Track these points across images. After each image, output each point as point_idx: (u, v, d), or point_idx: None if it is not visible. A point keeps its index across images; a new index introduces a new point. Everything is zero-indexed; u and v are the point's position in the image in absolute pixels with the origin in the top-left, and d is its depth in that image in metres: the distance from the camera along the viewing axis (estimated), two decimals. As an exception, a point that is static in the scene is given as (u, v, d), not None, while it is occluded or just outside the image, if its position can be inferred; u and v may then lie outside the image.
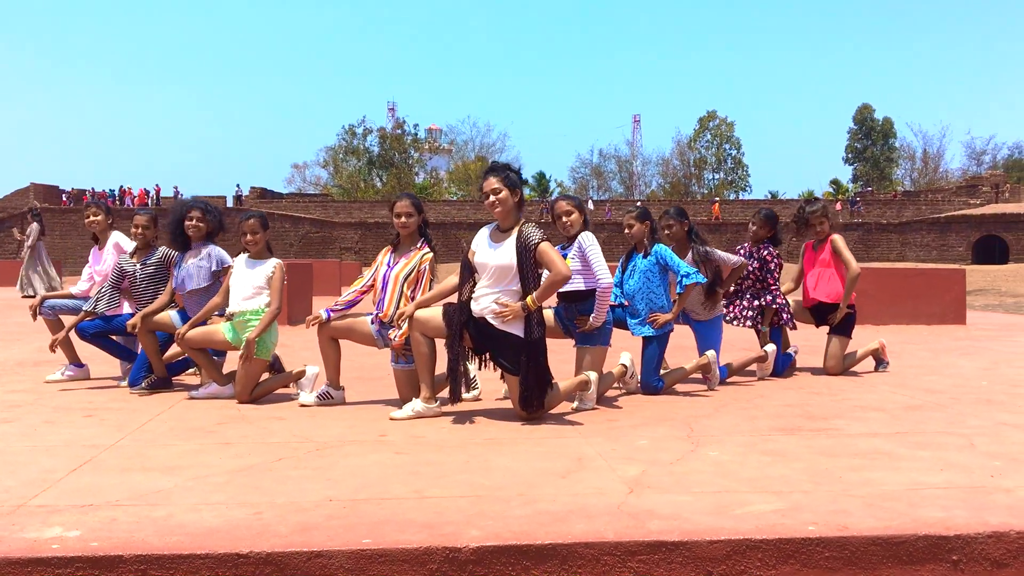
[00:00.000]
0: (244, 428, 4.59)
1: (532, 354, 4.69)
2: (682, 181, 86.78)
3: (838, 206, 62.58)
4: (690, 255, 6.18)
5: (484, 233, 4.97)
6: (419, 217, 5.37)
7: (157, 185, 64.00)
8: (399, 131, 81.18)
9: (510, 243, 4.76)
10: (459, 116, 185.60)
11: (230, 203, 62.22)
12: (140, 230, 6.11)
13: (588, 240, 5.28)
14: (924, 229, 57.34)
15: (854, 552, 2.79)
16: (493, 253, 4.79)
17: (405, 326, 4.94)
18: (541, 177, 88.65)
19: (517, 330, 4.68)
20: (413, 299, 5.16)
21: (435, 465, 3.74)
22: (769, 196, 76.38)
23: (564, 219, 5.42)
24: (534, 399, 4.73)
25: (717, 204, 62.28)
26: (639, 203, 61.76)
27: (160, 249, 6.15)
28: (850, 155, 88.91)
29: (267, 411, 5.13)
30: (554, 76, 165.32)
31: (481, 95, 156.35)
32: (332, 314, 5.26)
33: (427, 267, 5.26)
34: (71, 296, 6.46)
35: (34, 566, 2.60)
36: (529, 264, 4.72)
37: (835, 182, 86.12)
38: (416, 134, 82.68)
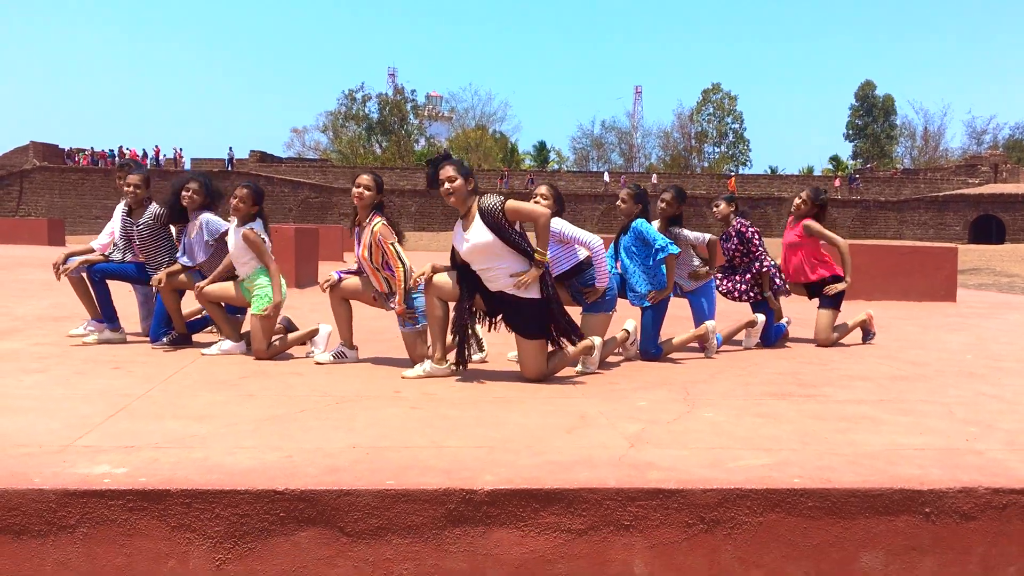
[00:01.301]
0: (265, 382, 4.84)
1: (553, 311, 4.97)
2: (682, 154, 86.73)
3: (837, 183, 62.78)
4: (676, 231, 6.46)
5: (456, 231, 5.12)
6: (375, 195, 5.48)
7: (157, 146, 63.94)
8: (399, 97, 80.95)
9: (477, 222, 4.91)
10: (460, 83, 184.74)
11: (229, 167, 62.20)
12: (133, 188, 6.30)
13: (556, 223, 5.46)
14: (922, 208, 57.58)
15: (835, 503, 3.05)
16: (469, 239, 4.95)
17: (408, 282, 5.21)
18: (542, 147, 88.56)
19: (535, 293, 4.93)
20: (387, 268, 5.39)
21: (449, 419, 3.99)
22: (769, 171, 76.50)
23: (539, 199, 5.69)
24: (568, 338, 5.09)
25: (733, 179, 62.47)
26: (623, 177, 61.96)
27: (151, 207, 6.32)
28: (851, 132, 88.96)
29: (286, 367, 5.39)
30: (557, 46, 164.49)
31: (483, 63, 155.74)
32: (343, 276, 5.52)
33: (381, 236, 5.36)
34: (91, 251, 6.68)
35: (89, 497, 2.86)
36: (509, 230, 4.88)
37: (835, 159, 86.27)
38: (416, 100, 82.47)
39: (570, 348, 5.27)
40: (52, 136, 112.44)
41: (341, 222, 52.86)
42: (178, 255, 6.11)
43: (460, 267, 5.09)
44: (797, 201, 7.21)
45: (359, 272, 5.63)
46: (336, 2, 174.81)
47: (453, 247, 5.16)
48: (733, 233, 6.99)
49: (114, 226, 6.77)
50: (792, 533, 3.03)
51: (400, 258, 5.33)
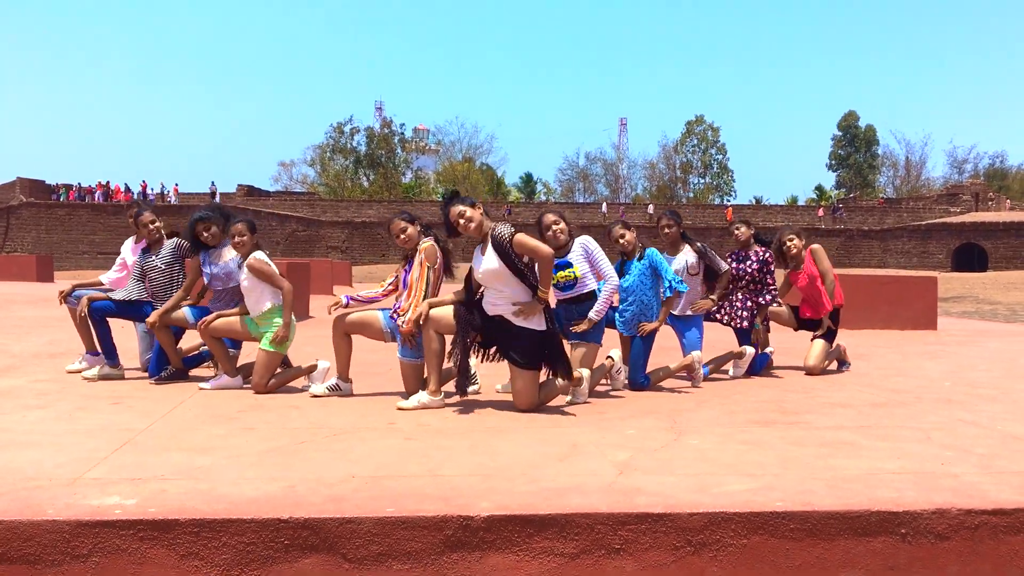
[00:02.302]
0: (264, 415, 4.97)
1: (552, 343, 5.15)
2: (668, 185, 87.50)
3: (820, 212, 63.41)
4: (687, 248, 6.67)
5: (476, 252, 5.33)
6: (415, 227, 5.73)
7: (144, 181, 64.07)
8: (386, 130, 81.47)
9: (489, 249, 5.14)
10: (447, 116, 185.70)
11: (218, 199, 62.32)
12: (153, 227, 6.46)
13: (592, 244, 5.75)
14: (905, 236, 58.23)
15: (815, 525, 3.20)
16: (482, 264, 5.18)
17: (410, 313, 5.34)
18: (528, 179, 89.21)
19: (536, 325, 5.10)
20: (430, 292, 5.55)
21: (444, 449, 4.12)
22: (753, 201, 77.19)
23: (554, 228, 5.85)
24: (563, 373, 5.23)
25: (730, 209, 63.12)
26: (622, 207, 62.44)
27: (172, 240, 6.50)
28: (834, 162, 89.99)
29: (283, 400, 5.52)
30: (542, 78, 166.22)
31: (469, 96, 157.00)
32: (351, 301, 5.67)
33: (423, 255, 5.55)
34: (100, 284, 6.81)
35: (101, 527, 2.97)
36: (515, 260, 5.07)
37: (819, 188, 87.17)
38: (403, 134, 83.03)
39: (560, 380, 5.42)
40: (39, 172, 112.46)
41: (329, 255, 53.07)
42: (207, 278, 6.21)
43: (460, 303, 5.24)
44: (795, 249, 7.39)
45: (374, 300, 5.78)
46: (323, 36, 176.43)
47: (471, 268, 5.34)
48: (754, 257, 7.17)
49: (127, 260, 6.90)
50: (775, 555, 3.17)
51: (426, 283, 5.48)
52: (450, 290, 5.55)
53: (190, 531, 2.99)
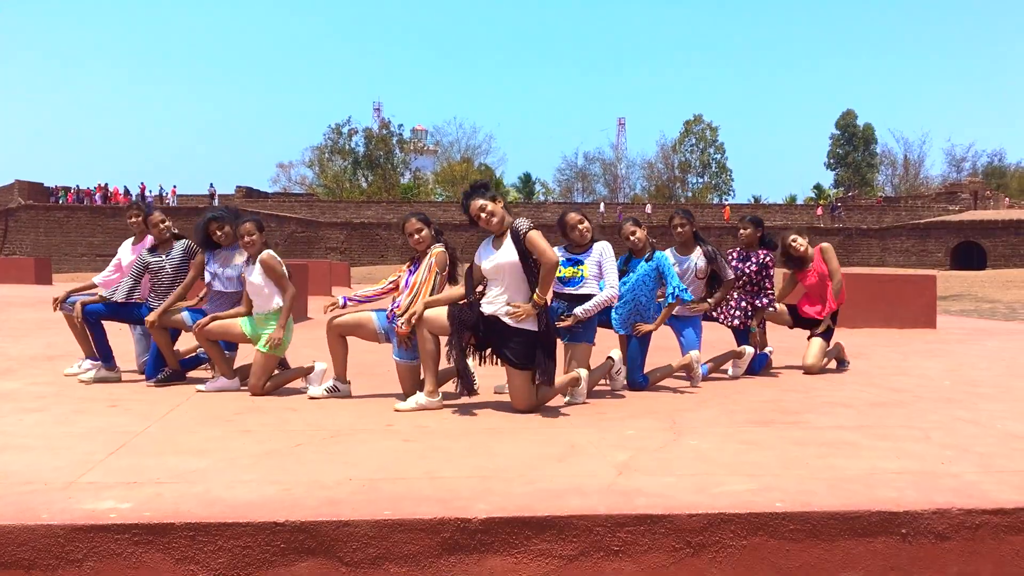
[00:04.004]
0: (261, 417, 4.94)
1: (546, 344, 5.12)
2: (667, 185, 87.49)
3: (819, 211, 63.40)
4: (699, 249, 6.66)
5: (484, 245, 5.34)
6: (429, 229, 5.73)
7: (142, 183, 64.08)
8: (385, 131, 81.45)
9: (508, 242, 5.14)
10: (445, 117, 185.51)
11: (216, 202, 62.32)
12: (163, 226, 6.45)
13: (609, 251, 5.79)
14: (904, 235, 58.22)
15: (815, 526, 3.18)
16: (498, 256, 5.16)
17: (407, 314, 5.30)
18: (527, 179, 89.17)
19: (531, 326, 5.08)
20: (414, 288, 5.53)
21: (442, 450, 4.10)
22: (752, 200, 77.19)
23: (579, 227, 5.90)
24: (550, 379, 5.19)
25: (728, 208, 63.08)
26: (620, 207, 62.43)
27: (182, 241, 6.48)
28: (832, 160, 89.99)
29: (280, 403, 5.49)
30: (540, 78, 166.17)
31: (467, 96, 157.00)
32: (348, 302, 5.66)
33: (434, 260, 5.58)
34: (93, 287, 6.80)
35: (96, 532, 2.95)
36: (528, 256, 5.08)
37: (817, 187, 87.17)
38: (402, 134, 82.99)
39: (557, 379, 5.40)
40: (37, 174, 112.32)
41: (327, 256, 53.07)
42: (214, 280, 6.19)
43: (454, 303, 5.21)
44: (801, 249, 7.39)
45: (371, 299, 5.76)
46: (321, 37, 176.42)
47: (471, 266, 5.34)
48: (755, 261, 7.15)
49: (122, 261, 6.88)
50: (775, 555, 3.15)
51: (432, 287, 5.50)
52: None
53: (185, 535, 2.97)
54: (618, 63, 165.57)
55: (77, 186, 63.68)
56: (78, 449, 4.04)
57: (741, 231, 7.33)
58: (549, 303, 5.24)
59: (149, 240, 6.76)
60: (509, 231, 5.16)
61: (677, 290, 6.04)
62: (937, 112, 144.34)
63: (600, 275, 5.80)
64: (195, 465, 3.75)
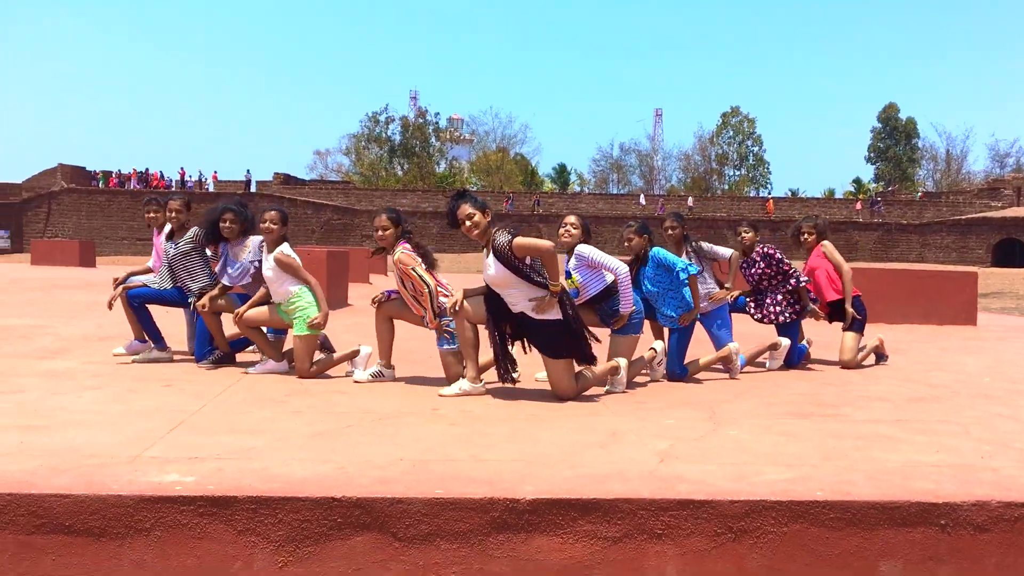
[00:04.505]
0: (310, 400, 5.10)
1: (573, 330, 5.19)
2: (703, 177, 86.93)
3: (858, 206, 62.66)
4: (685, 251, 6.73)
5: (484, 258, 5.42)
6: (397, 229, 5.78)
7: (182, 168, 64.91)
8: (421, 120, 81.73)
9: (491, 256, 5.23)
10: (481, 106, 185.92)
11: (254, 188, 63.01)
12: (175, 214, 6.64)
13: (585, 249, 5.81)
14: (944, 231, 57.39)
15: (855, 514, 3.25)
16: (489, 272, 5.27)
17: (438, 304, 5.50)
18: (562, 169, 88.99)
19: (555, 315, 5.17)
20: (415, 297, 5.65)
21: (486, 435, 4.22)
22: (790, 194, 76.43)
23: (569, 228, 5.96)
24: (587, 357, 5.29)
25: (771, 201, 62.58)
26: (661, 200, 62.15)
27: (192, 230, 6.64)
28: (873, 154, 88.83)
29: (328, 386, 5.65)
30: (577, 69, 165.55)
31: (503, 86, 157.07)
32: (392, 295, 5.82)
33: (403, 264, 5.64)
34: (150, 270, 7.04)
35: (163, 503, 3.11)
36: (520, 265, 5.13)
37: (857, 181, 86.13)
38: (438, 123, 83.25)
39: (596, 368, 5.49)
40: (79, 158, 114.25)
41: (363, 243, 53.44)
42: (223, 276, 6.37)
43: (488, 292, 5.34)
44: (810, 238, 7.52)
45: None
46: (359, 26, 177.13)
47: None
48: (758, 258, 7.19)
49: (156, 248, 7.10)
50: (815, 543, 3.22)
51: (424, 280, 5.59)
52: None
53: (247, 508, 3.11)
54: (655, 53, 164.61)
55: (119, 170, 64.65)
56: (138, 425, 4.21)
57: (743, 235, 7.32)
58: (567, 288, 5.33)
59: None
60: (492, 247, 5.21)
61: (688, 267, 6.09)
62: (981, 107, 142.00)
63: (592, 274, 5.81)
64: (251, 443, 3.89)
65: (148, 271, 7.09)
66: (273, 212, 6.08)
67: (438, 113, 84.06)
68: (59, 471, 3.33)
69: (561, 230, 6.01)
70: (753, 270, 7.22)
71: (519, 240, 5.15)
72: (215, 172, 66.65)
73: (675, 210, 6.88)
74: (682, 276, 6.08)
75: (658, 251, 6.24)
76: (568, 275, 5.85)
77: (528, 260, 5.18)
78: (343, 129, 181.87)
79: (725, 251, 6.89)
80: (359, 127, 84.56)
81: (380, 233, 5.78)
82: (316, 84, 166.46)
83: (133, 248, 56.14)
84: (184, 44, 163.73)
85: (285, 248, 6.02)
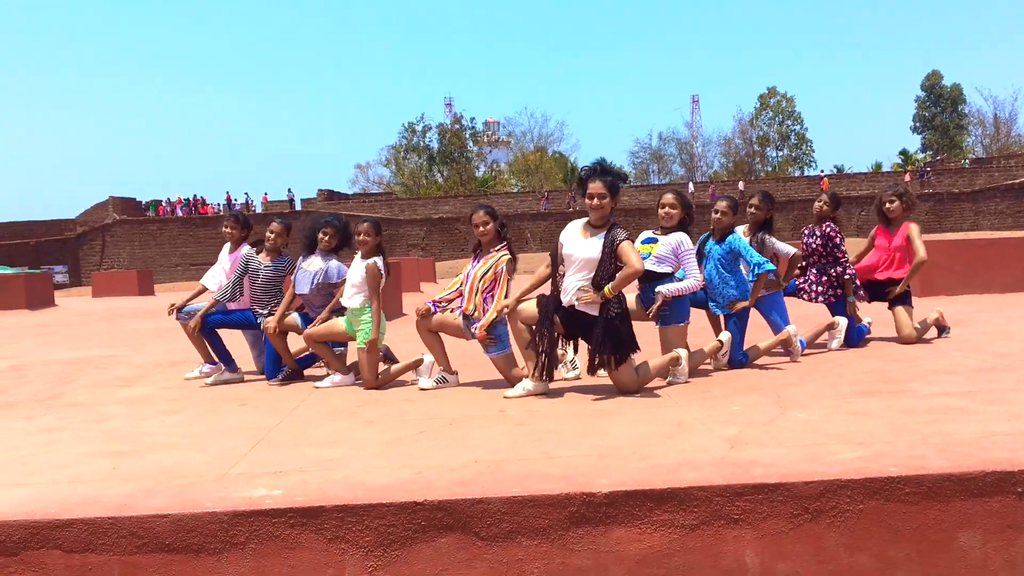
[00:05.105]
0: (380, 409, 5.23)
1: (607, 328, 5.20)
2: (745, 160, 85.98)
3: (907, 177, 61.43)
4: (748, 241, 6.71)
5: (575, 227, 5.48)
6: (495, 223, 5.97)
7: (227, 192, 66.13)
8: (457, 126, 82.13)
9: (599, 239, 5.29)
10: (516, 107, 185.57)
11: (298, 206, 63.89)
12: (274, 236, 6.86)
13: (687, 243, 5.87)
14: (998, 196, 56.08)
15: (930, 488, 3.26)
16: (582, 246, 5.32)
17: (484, 319, 5.65)
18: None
19: (595, 310, 5.25)
20: (491, 297, 5.78)
21: (555, 432, 4.30)
22: (835, 171, 75.22)
23: (666, 209, 6.02)
24: (608, 361, 5.26)
25: (826, 180, 61.74)
26: (712, 186, 61.55)
27: (287, 257, 6.87)
28: (918, 124, 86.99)
29: (395, 395, 5.78)
30: (608, 62, 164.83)
31: (537, 85, 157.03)
32: (436, 307, 5.95)
33: (503, 268, 5.84)
34: (204, 290, 7.27)
35: (255, 517, 3.24)
36: (610, 258, 5.24)
37: (903, 152, 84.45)
38: (474, 128, 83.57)
39: (655, 361, 5.54)
40: (129, 190, 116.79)
41: (409, 252, 53.89)
42: (296, 287, 6.55)
43: (542, 297, 5.42)
44: (892, 205, 7.34)
45: (451, 300, 6.02)
46: (390, 38, 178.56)
47: (555, 248, 5.50)
48: (819, 233, 7.18)
49: (222, 267, 7.33)
50: (892, 518, 3.25)
51: (506, 293, 5.77)
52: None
53: (335, 516, 3.23)
54: (687, 40, 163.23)
55: (167, 198, 66.14)
56: (221, 444, 4.37)
57: (818, 203, 7.31)
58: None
59: (245, 247, 7.19)
60: (606, 232, 5.30)
61: (759, 267, 6.12)
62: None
63: (669, 258, 5.87)
64: (330, 454, 4.03)
65: (202, 290, 7.27)
66: (366, 224, 6.26)
67: (473, 118, 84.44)
68: (154, 492, 3.49)
69: (661, 211, 6.07)
70: (810, 240, 7.23)
71: (625, 246, 5.23)
72: (265, 194, 67.82)
73: (763, 190, 6.78)
74: (757, 271, 6.13)
75: (736, 238, 6.29)
76: (654, 241, 5.96)
77: (619, 263, 5.26)
78: (382, 141, 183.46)
79: (788, 248, 6.84)
80: (397, 138, 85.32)
81: (481, 229, 5.94)
82: (353, 99, 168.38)
83: (187, 274, 57.32)
84: (221, 70, 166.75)
85: (379, 261, 6.18)
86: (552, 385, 5.55)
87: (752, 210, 6.74)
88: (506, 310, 5.59)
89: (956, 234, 48.02)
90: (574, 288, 5.29)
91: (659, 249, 5.89)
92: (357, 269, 6.19)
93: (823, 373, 5.82)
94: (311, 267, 6.53)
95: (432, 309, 5.94)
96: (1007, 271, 12.07)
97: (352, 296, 6.15)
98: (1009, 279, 12.01)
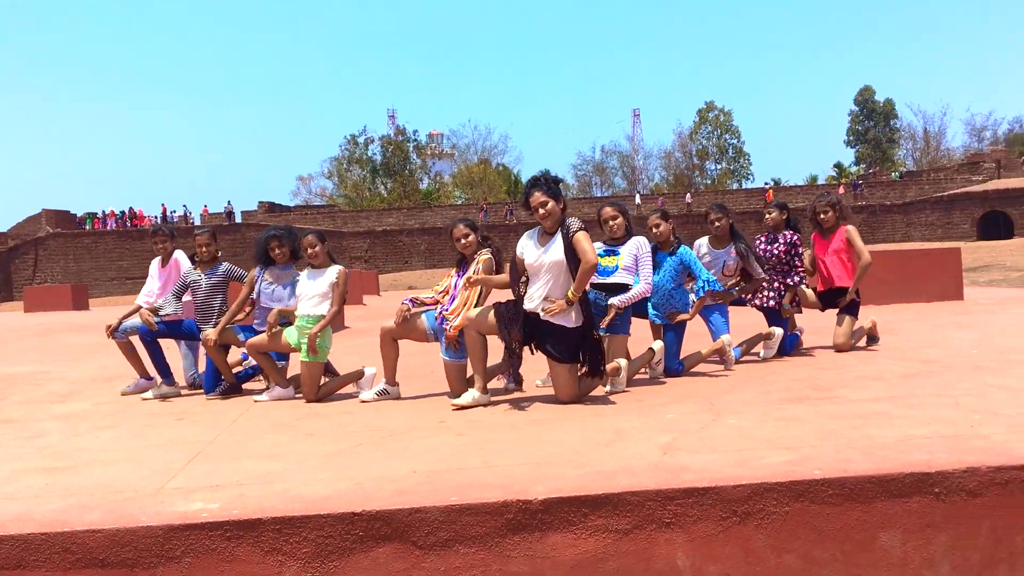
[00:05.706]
0: (320, 422, 5.23)
1: (585, 337, 5.33)
2: (685, 173, 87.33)
3: (842, 190, 63.04)
4: (733, 248, 6.90)
5: (530, 238, 5.53)
6: (476, 234, 6.01)
7: (163, 205, 64.96)
8: (401, 138, 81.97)
9: (558, 240, 5.35)
10: (460, 120, 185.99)
11: (239, 218, 63.04)
12: (204, 248, 6.80)
13: (645, 246, 6.03)
14: (928, 208, 57.83)
15: (853, 489, 3.39)
16: (545, 254, 5.37)
17: (457, 320, 5.61)
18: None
19: (567, 321, 5.31)
20: (465, 294, 5.80)
21: (495, 442, 4.36)
22: (772, 183, 76.82)
23: (611, 223, 6.14)
24: (596, 369, 5.41)
25: (771, 191, 62.94)
26: (661, 198, 62.34)
27: (224, 264, 6.82)
28: (852, 138, 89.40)
29: (335, 407, 5.78)
30: (551, 75, 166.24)
31: (480, 98, 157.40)
32: (413, 304, 5.96)
33: (480, 267, 5.85)
34: (139, 308, 7.11)
35: (191, 530, 3.23)
36: (573, 252, 5.28)
37: (838, 165, 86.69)
38: (418, 140, 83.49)
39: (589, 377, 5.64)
40: (62, 203, 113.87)
41: (353, 265, 53.50)
42: (263, 300, 6.45)
43: (500, 304, 5.45)
44: (825, 216, 7.57)
45: (425, 306, 6.04)
46: (331, 48, 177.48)
47: (514, 260, 5.56)
48: (783, 241, 7.37)
49: (153, 284, 7.24)
50: (817, 519, 3.37)
51: (478, 292, 5.83)
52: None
53: (273, 528, 3.24)
54: (629, 54, 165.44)
55: (103, 211, 64.68)
56: (158, 459, 4.33)
57: (767, 215, 7.56)
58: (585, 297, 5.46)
59: (176, 260, 7.12)
60: (561, 231, 5.36)
61: (707, 283, 6.29)
62: (955, 83, 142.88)
63: (634, 267, 6.02)
64: (269, 467, 4.02)
65: (138, 309, 7.09)
66: (310, 236, 6.28)
67: (416, 130, 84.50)
68: (89, 508, 3.45)
69: (606, 227, 6.20)
70: (771, 247, 7.41)
71: (580, 235, 5.27)
72: (205, 206, 66.80)
73: (718, 203, 6.96)
74: (700, 292, 6.30)
75: (687, 253, 6.44)
76: (615, 253, 6.08)
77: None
78: (324, 153, 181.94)
79: (760, 272, 7.02)
80: (339, 150, 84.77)
81: (463, 241, 5.96)
82: (294, 111, 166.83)
83: (124, 287, 56.14)
84: (159, 80, 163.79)
85: (343, 270, 6.22)
86: (494, 397, 5.61)
87: (717, 224, 6.94)
88: (475, 278, 5.65)
89: (888, 245, 49.38)
90: (539, 297, 5.36)
91: (625, 260, 6.03)
92: (320, 280, 6.16)
93: (755, 381, 5.98)
94: (286, 279, 6.44)
95: (410, 307, 5.93)
96: (933, 281, 12.51)
97: (319, 304, 6.14)
98: (935, 288, 12.45)
